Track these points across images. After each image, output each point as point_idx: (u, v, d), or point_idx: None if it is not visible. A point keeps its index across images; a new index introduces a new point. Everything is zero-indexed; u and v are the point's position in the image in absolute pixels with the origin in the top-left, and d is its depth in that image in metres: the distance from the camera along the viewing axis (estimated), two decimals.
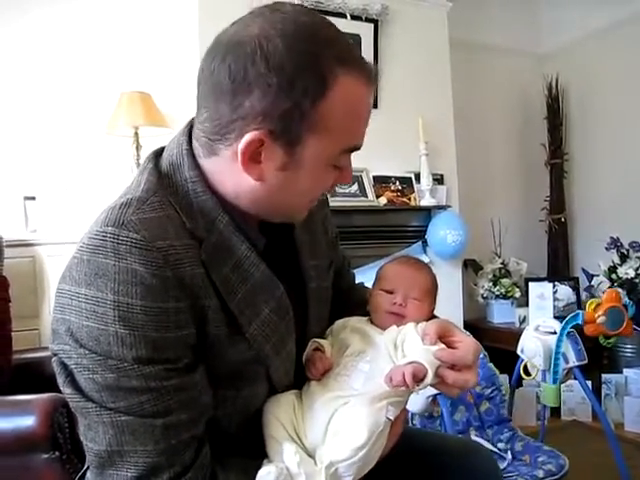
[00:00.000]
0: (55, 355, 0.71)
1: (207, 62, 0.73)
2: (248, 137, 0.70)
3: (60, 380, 0.71)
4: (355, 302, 1.02)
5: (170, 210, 0.73)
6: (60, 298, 0.69)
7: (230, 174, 0.75)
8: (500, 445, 2.17)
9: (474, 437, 2.18)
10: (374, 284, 0.99)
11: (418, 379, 0.80)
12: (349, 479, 0.76)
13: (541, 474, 1.89)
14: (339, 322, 0.96)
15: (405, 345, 0.87)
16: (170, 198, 0.75)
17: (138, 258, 0.66)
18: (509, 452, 2.12)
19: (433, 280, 0.98)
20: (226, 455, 0.79)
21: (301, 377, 0.88)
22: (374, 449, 0.78)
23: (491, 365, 2.49)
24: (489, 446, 2.09)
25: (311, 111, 0.70)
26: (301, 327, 0.89)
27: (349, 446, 0.76)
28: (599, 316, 2.10)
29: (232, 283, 0.76)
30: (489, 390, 2.37)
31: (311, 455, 0.80)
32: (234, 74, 0.69)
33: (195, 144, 0.78)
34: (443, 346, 0.85)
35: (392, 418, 0.81)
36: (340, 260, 1.11)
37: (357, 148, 0.79)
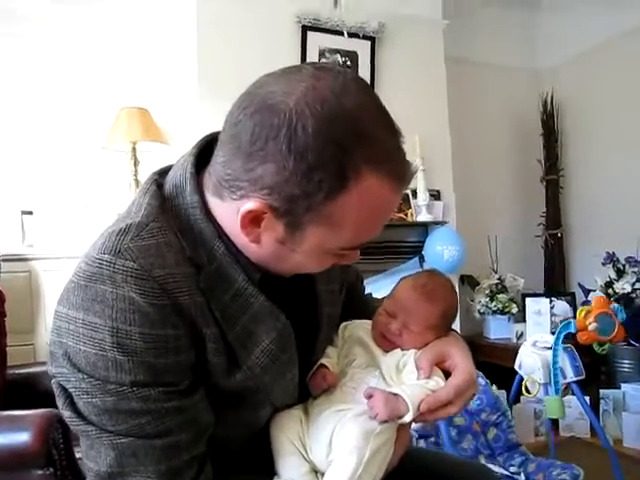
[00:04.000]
0: (54, 377, 0.71)
1: (236, 108, 0.69)
2: (251, 205, 0.67)
3: (59, 402, 0.71)
4: (365, 316, 0.98)
5: (170, 236, 0.71)
6: (57, 321, 0.68)
7: (229, 222, 0.72)
8: (512, 469, 2.12)
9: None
10: (388, 295, 0.96)
11: (396, 416, 0.79)
12: None
13: None
14: (348, 327, 0.95)
15: (404, 371, 0.86)
16: (172, 222, 0.72)
17: (134, 287, 0.65)
18: (522, 474, 2.09)
19: (444, 312, 0.92)
20: (230, 473, 0.79)
21: (305, 397, 0.87)
22: (378, 457, 0.78)
23: (495, 391, 2.46)
24: (501, 471, 2.06)
25: (320, 205, 0.66)
26: (308, 352, 0.87)
27: (344, 474, 0.75)
28: (590, 323, 2.12)
29: (231, 313, 0.74)
30: (494, 416, 2.32)
31: (317, 470, 0.80)
32: (255, 138, 0.65)
33: (206, 174, 0.75)
34: (436, 381, 0.84)
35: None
36: (353, 276, 1.09)
37: (362, 245, 0.74)
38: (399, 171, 0.69)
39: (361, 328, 0.94)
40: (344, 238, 0.71)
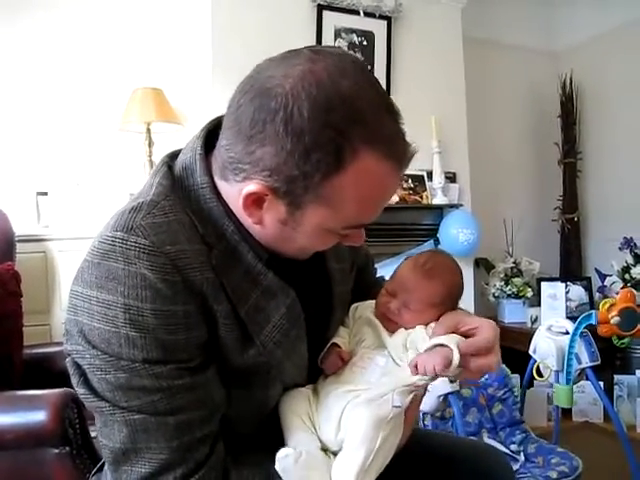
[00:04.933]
0: (69, 355, 0.72)
1: (238, 92, 0.71)
2: (252, 187, 0.69)
3: (74, 380, 0.72)
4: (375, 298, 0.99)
5: (182, 214, 0.73)
6: (72, 299, 0.70)
7: (234, 202, 0.74)
8: (512, 447, 2.15)
9: (486, 439, 2.17)
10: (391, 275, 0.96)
11: (448, 361, 0.79)
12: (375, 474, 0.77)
13: (554, 475, 1.88)
14: (358, 307, 0.95)
15: (418, 346, 0.85)
16: (183, 202, 0.74)
17: (146, 263, 0.67)
18: (522, 454, 2.10)
19: (446, 290, 0.90)
20: (240, 452, 0.80)
21: (314, 376, 0.88)
22: (387, 444, 0.78)
23: (504, 366, 2.46)
24: (501, 448, 2.08)
25: (319, 185, 0.68)
26: (322, 331, 0.88)
27: (355, 464, 0.75)
28: (613, 317, 2.07)
29: (242, 289, 0.75)
30: (501, 392, 2.35)
31: (326, 448, 0.80)
32: (255, 122, 0.67)
33: (213, 157, 0.77)
34: (459, 337, 0.84)
35: (400, 405, 0.79)
36: (363, 258, 1.09)
37: (363, 226, 0.77)
38: (397, 151, 0.71)
39: (369, 309, 0.94)
40: (344, 218, 0.73)
